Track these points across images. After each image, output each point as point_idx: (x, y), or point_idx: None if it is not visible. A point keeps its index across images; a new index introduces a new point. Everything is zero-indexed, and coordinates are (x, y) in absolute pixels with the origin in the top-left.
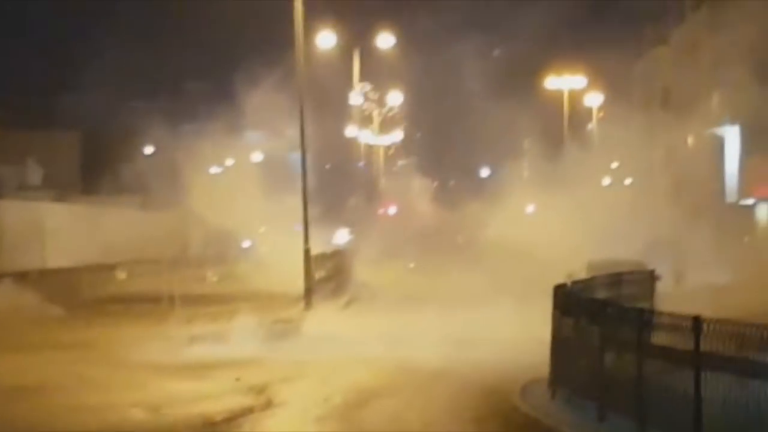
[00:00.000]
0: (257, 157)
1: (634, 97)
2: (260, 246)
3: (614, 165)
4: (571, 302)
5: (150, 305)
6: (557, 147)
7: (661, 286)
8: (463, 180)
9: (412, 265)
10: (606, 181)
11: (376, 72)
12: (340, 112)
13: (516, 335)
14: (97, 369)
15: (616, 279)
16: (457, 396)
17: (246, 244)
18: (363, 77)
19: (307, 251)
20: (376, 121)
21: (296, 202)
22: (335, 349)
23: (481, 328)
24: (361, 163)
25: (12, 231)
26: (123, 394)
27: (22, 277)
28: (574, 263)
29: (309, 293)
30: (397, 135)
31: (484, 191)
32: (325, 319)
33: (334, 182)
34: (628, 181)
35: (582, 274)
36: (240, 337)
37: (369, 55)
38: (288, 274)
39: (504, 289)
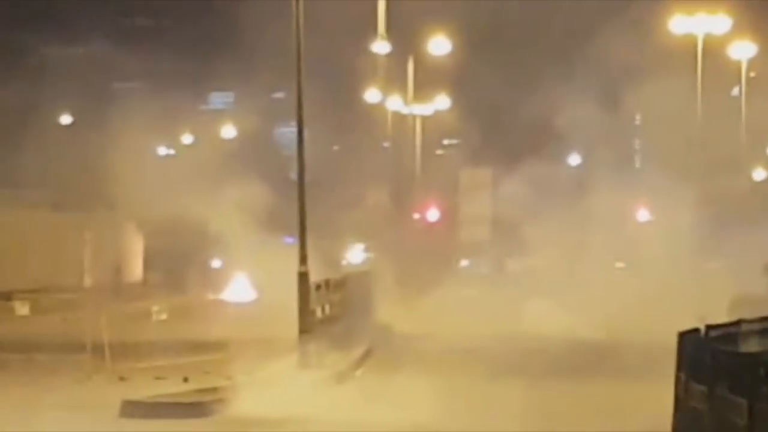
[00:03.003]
0: (229, 131)
1: None
2: (235, 266)
3: None
4: (704, 359)
5: (65, 356)
6: (685, 122)
7: None
8: (540, 170)
9: (464, 296)
10: (760, 174)
11: (411, 8)
12: (358, 67)
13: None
14: None
15: None
16: None
17: (216, 263)
18: (392, 15)
19: (302, 276)
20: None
21: (288, 200)
22: None
23: (582, 408)
24: (387, 144)
25: None
26: None
27: None
28: (708, 299)
29: (305, 341)
30: (442, 101)
31: (573, 187)
32: (319, 390)
33: (347, 172)
34: None
35: (722, 316)
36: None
37: None
38: (275, 309)
39: (608, 340)
